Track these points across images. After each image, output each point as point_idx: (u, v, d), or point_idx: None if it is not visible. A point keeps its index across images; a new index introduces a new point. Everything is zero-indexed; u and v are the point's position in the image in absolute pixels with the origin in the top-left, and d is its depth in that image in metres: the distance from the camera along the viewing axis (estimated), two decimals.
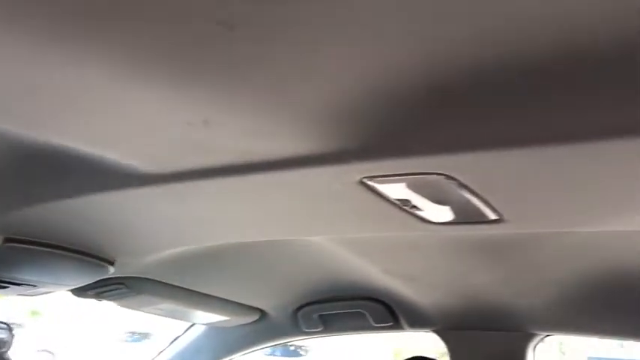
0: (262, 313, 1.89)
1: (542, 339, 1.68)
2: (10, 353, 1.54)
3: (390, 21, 0.59)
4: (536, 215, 0.99)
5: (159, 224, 1.17)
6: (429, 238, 1.24)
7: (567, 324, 1.58)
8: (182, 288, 1.62)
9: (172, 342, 2.09)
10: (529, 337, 1.63)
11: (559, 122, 0.74)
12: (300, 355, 9.19)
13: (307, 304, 1.81)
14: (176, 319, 1.92)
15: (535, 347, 1.67)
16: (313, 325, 1.85)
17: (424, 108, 0.75)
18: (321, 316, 1.83)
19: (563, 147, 0.75)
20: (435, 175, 0.84)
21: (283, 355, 8.86)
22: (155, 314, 1.80)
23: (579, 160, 0.79)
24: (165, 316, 1.85)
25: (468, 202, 0.93)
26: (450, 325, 1.69)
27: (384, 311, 1.73)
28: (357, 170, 0.85)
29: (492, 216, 0.98)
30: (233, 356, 2.04)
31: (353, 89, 0.72)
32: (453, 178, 0.84)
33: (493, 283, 1.48)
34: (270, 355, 8.73)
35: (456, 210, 0.98)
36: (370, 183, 0.88)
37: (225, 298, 1.76)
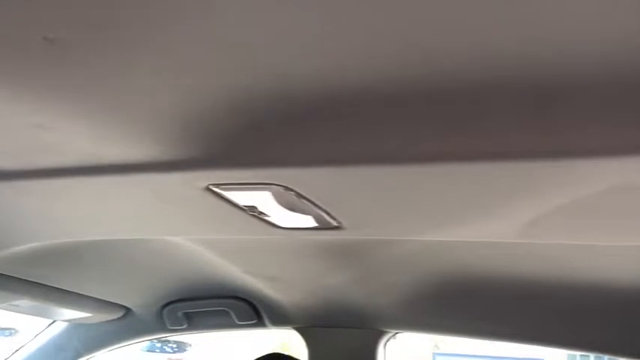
0: (127, 310, 1.88)
1: (393, 336, 1.81)
2: None
3: (231, 35, 0.62)
4: (373, 224, 1.08)
5: (6, 220, 1.15)
6: (285, 240, 1.30)
7: (414, 322, 1.72)
8: (40, 284, 1.59)
9: (33, 339, 2.03)
10: (380, 334, 1.75)
11: (388, 145, 0.82)
12: (183, 350, 9.08)
13: (172, 302, 1.83)
14: (35, 315, 1.87)
15: (386, 343, 1.80)
16: (178, 323, 1.87)
17: (263, 124, 0.81)
18: (186, 313, 1.86)
19: (391, 167, 0.84)
20: (274, 186, 0.90)
21: (163, 351, 8.72)
22: (10, 311, 1.74)
23: (405, 179, 0.88)
24: (23, 313, 1.79)
25: (310, 210, 1.01)
26: (309, 323, 1.78)
27: (248, 309, 1.79)
28: (202, 178, 0.90)
29: (333, 223, 1.06)
30: (97, 353, 2.01)
31: (198, 101, 0.77)
32: (291, 190, 0.91)
33: (347, 283, 1.57)
34: (150, 351, 8.55)
35: (300, 217, 1.05)
36: (216, 190, 0.93)
37: (88, 294, 1.74)
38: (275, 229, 1.11)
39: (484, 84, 0.67)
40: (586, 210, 0.87)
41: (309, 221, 1.07)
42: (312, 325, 1.77)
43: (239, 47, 0.64)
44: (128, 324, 1.92)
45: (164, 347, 8.77)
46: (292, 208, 1.01)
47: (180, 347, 8.90)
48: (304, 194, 0.93)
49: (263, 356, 1.58)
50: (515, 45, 0.59)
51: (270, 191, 0.93)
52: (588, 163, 0.73)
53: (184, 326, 1.88)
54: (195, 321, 1.88)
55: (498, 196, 0.88)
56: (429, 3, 0.54)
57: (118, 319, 1.91)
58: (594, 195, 0.80)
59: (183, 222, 1.13)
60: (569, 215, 0.90)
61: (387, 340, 1.79)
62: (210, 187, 0.92)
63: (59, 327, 2.00)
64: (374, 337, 1.75)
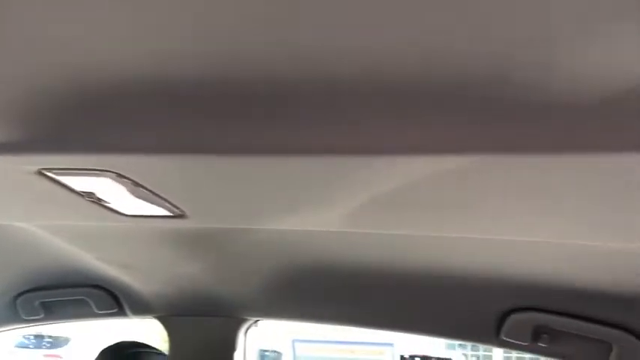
0: None
1: (254, 323, 1.86)
2: None
3: (52, 19, 0.63)
4: (216, 213, 1.12)
5: None
6: (136, 227, 1.31)
7: (273, 309, 1.77)
8: None
9: None
10: (241, 321, 1.79)
11: (218, 136, 0.85)
12: (61, 345, 8.68)
13: (27, 291, 1.77)
14: None
15: (247, 331, 1.84)
16: (34, 313, 1.81)
17: (94, 110, 0.82)
18: (42, 303, 1.80)
19: (223, 158, 0.87)
20: (108, 173, 0.91)
21: (37, 347, 8.29)
22: None
23: (238, 171, 0.92)
24: None
25: (151, 198, 1.03)
26: (169, 312, 1.78)
27: (107, 298, 1.77)
28: (33, 161, 0.89)
29: (176, 211, 1.09)
30: None
31: (26, 85, 0.77)
32: (125, 177, 0.92)
33: (205, 271, 1.60)
34: (23, 347, 8.11)
35: (143, 204, 1.06)
36: (50, 174, 0.93)
37: None
38: (119, 215, 1.12)
39: (300, 85, 0.73)
40: (394, 202, 0.95)
41: (152, 209, 1.09)
42: (173, 313, 1.78)
43: (60, 31, 0.65)
44: None
45: (39, 342, 8.34)
46: (131, 196, 1.02)
47: (58, 342, 8.48)
48: (140, 182, 0.94)
49: (112, 345, 1.57)
50: (316, 48, 0.65)
51: (105, 178, 0.94)
52: (386, 161, 0.81)
53: (41, 316, 1.83)
54: (52, 311, 1.83)
55: (321, 189, 0.94)
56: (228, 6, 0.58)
57: None
58: (397, 189, 0.88)
59: (21, 207, 1.11)
60: (382, 207, 0.99)
61: (248, 328, 1.84)
62: (43, 171, 0.92)
63: None
64: (235, 324, 1.79)
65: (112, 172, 0.91)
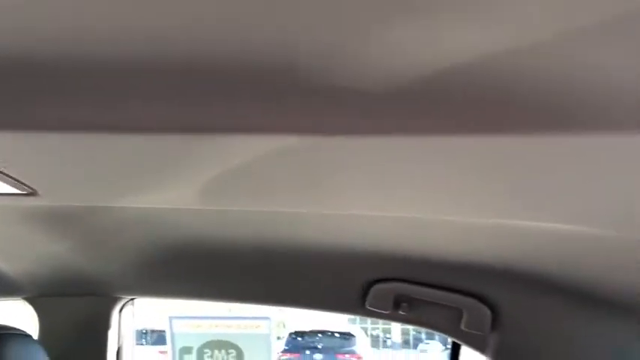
0: None
1: (129, 301, 1.85)
2: None
3: None
4: (68, 191, 1.11)
5: None
6: None
7: (146, 287, 1.77)
8: None
9: None
10: (114, 300, 1.78)
11: (58, 112, 0.85)
12: None
13: None
14: None
15: (121, 310, 1.83)
16: None
17: None
18: None
19: (68, 134, 0.86)
20: None
21: None
22: None
23: (87, 148, 0.91)
24: None
25: None
26: (38, 293, 1.74)
27: None
28: None
29: (24, 189, 1.06)
30: None
31: None
32: None
33: (72, 250, 1.57)
34: None
35: None
36: None
37: None
38: None
39: (144, 64, 0.74)
40: (244, 180, 0.99)
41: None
42: (43, 294, 1.74)
43: None
44: None
45: None
46: None
47: None
48: None
49: None
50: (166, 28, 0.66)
51: None
52: (232, 139, 0.84)
53: None
54: None
55: (168, 167, 0.96)
56: None
57: None
58: (243, 167, 0.92)
59: None
60: (234, 185, 1.02)
61: (123, 306, 1.83)
62: None
63: None
64: (108, 303, 1.78)
65: None
